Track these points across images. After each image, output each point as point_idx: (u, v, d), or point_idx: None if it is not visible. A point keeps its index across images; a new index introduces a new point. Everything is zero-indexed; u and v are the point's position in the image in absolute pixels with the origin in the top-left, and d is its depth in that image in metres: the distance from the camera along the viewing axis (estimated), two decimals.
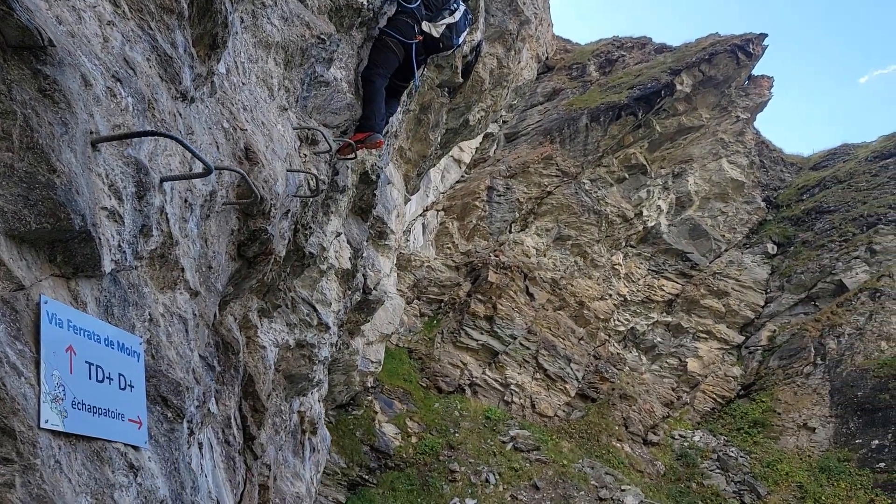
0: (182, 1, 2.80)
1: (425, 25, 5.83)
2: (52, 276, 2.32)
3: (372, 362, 8.98)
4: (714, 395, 21.85)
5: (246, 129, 3.70)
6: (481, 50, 11.01)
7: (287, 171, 4.02)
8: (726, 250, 24.76)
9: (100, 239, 2.35)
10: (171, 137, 2.35)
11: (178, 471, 2.74)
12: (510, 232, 22.99)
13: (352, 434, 16.10)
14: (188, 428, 2.89)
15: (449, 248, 22.65)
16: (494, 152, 24.71)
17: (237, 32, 3.80)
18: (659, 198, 24.28)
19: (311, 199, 4.78)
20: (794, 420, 19.68)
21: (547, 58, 26.08)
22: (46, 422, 2.05)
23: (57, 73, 2.17)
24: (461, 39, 6.15)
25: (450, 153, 21.44)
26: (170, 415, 2.68)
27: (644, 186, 23.91)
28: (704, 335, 23.37)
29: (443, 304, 22.01)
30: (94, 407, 2.29)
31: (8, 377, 1.97)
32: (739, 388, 21.89)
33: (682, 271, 24.33)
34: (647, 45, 27.20)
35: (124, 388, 2.45)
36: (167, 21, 2.79)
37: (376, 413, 17.02)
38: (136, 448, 2.44)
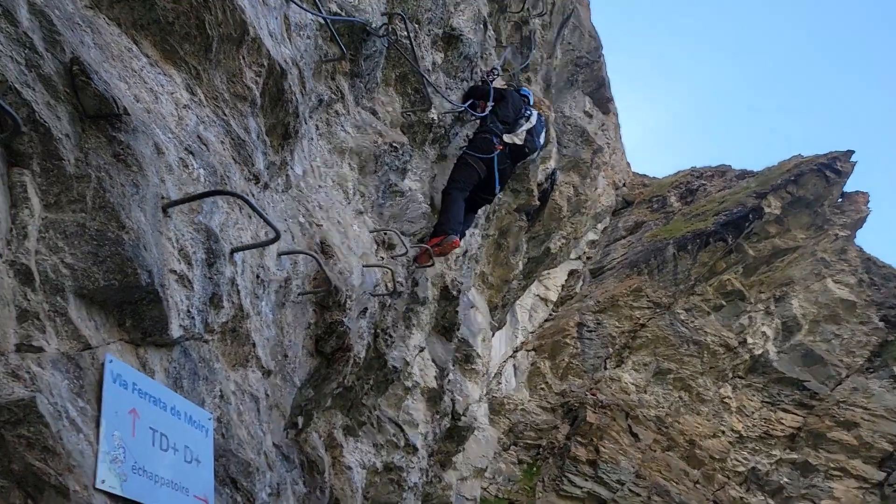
0: (255, 89, 2.95)
1: (507, 137, 6.11)
2: (121, 341, 2.28)
3: (467, 500, 8.42)
4: None
5: (322, 225, 3.75)
6: (556, 178, 11.19)
7: (364, 266, 4.00)
8: (847, 376, 22.74)
9: (168, 301, 2.32)
10: (238, 196, 2.37)
11: None
12: (605, 368, 22.04)
13: None
14: None
15: (542, 388, 21.84)
16: (581, 288, 24.36)
17: (313, 138, 3.97)
18: (763, 324, 22.95)
19: (390, 302, 4.72)
20: None
21: (624, 184, 26.23)
22: (103, 482, 1.92)
23: (131, 139, 2.26)
24: (542, 140, 6.47)
25: (536, 292, 21.31)
26: (240, 499, 2.49)
27: (744, 313, 22.73)
28: (838, 473, 20.95)
29: (541, 449, 20.85)
30: (156, 475, 2.14)
31: (65, 431, 1.87)
32: None
33: (801, 401, 22.35)
34: (727, 172, 27.03)
35: (190, 462, 2.30)
36: (240, 108, 2.92)
37: None
38: None
